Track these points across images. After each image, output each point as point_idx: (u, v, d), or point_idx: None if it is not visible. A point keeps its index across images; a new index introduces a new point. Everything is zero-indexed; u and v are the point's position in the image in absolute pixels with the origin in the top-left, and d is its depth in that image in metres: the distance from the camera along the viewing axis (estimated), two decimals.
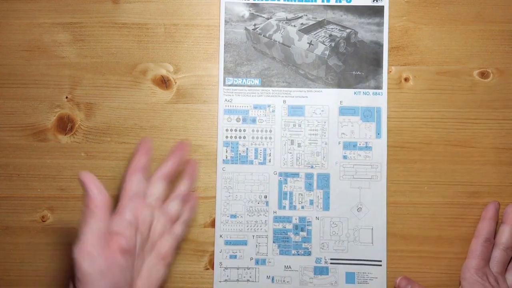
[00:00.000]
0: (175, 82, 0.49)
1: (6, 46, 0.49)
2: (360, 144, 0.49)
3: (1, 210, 0.49)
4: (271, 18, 0.49)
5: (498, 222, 0.48)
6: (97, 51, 0.49)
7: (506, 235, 0.46)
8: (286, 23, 0.49)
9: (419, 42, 0.49)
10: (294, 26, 0.49)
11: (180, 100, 0.49)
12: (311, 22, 0.49)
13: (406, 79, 0.49)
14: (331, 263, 0.48)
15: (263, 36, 0.49)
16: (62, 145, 0.49)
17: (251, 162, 0.49)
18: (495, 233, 0.47)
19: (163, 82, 0.49)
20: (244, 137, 0.49)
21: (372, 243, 0.48)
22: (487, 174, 0.49)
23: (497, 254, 0.46)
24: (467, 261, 0.47)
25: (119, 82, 0.49)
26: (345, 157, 0.49)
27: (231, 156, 0.49)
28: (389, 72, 0.49)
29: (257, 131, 0.49)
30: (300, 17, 0.49)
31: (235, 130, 0.49)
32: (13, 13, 0.49)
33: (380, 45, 0.49)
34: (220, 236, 0.48)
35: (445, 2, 0.49)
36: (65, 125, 0.49)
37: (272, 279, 0.48)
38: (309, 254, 0.48)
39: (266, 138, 0.49)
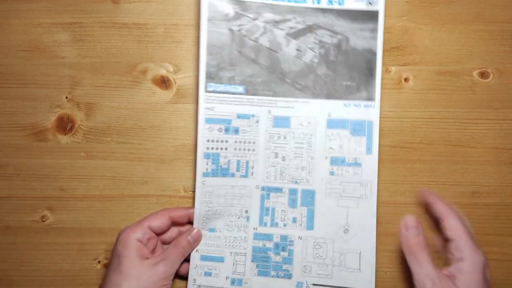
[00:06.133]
0: (175, 82, 0.49)
1: (6, 46, 0.49)
2: (348, 160, 0.46)
3: (1, 210, 0.49)
4: (257, 19, 0.45)
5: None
6: (97, 51, 0.49)
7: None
8: (273, 25, 0.46)
9: (419, 42, 0.49)
10: (282, 29, 0.46)
11: (180, 100, 0.49)
12: (300, 26, 0.46)
13: (406, 79, 0.49)
14: None
15: (249, 39, 0.45)
16: (62, 145, 0.49)
17: (233, 175, 0.45)
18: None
19: (163, 82, 0.49)
20: (226, 149, 0.46)
21: (359, 269, 0.44)
22: (487, 174, 0.49)
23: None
24: None
25: (119, 82, 0.49)
26: (332, 173, 0.46)
27: (212, 169, 0.45)
28: (389, 72, 0.49)
29: (240, 142, 0.46)
30: (289, 20, 0.46)
31: (217, 141, 0.45)
32: (13, 13, 0.49)
33: (373, 53, 0.46)
34: (197, 250, 0.45)
35: (445, 2, 0.49)
36: (65, 125, 0.49)
37: None
38: (289, 277, 0.45)
39: (249, 150, 0.46)
